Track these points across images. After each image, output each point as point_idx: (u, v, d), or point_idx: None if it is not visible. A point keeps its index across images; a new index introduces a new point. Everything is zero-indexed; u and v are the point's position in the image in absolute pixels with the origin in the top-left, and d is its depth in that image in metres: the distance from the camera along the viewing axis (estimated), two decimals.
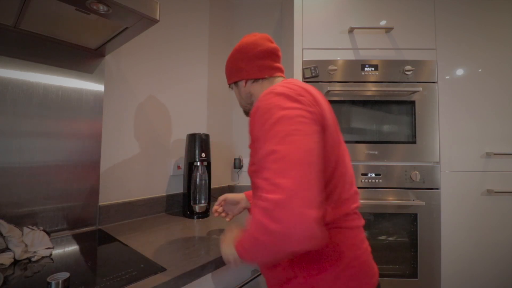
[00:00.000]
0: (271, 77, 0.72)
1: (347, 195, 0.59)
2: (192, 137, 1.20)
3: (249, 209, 0.87)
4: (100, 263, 0.70)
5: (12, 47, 0.82)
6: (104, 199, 1.04)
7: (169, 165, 1.30)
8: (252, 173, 0.60)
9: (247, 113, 0.80)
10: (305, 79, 1.17)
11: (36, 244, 0.72)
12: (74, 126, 0.95)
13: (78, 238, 0.88)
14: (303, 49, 1.20)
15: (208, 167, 1.21)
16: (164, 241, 0.86)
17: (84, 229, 0.96)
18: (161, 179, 1.26)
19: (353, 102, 1.19)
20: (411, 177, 1.14)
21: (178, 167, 1.32)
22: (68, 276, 0.56)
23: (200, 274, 0.68)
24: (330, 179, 0.56)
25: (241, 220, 1.14)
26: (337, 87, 1.15)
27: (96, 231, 0.96)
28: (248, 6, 1.73)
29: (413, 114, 1.17)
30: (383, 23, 1.19)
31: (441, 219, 1.14)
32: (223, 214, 0.88)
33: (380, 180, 1.15)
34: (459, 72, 1.18)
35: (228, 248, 0.57)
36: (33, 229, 0.75)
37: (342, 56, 1.20)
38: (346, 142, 1.16)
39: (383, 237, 1.17)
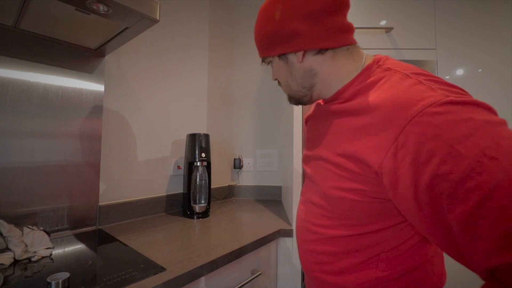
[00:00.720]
0: (346, 46, 0.48)
1: None
2: (192, 137, 1.20)
3: None
4: (100, 263, 0.70)
5: (12, 47, 0.82)
6: (104, 199, 1.04)
7: (169, 165, 1.30)
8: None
9: (297, 100, 0.56)
10: None
11: (36, 244, 0.72)
12: (74, 126, 0.95)
13: (78, 238, 0.88)
14: None
15: (208, 167, 1.21)
16: (164, 241, 0.86)
17: (84, 229, 0.96)
18: (161, 179, 1.26)
19: None
20: None
21: (178, 167, 1.32)
22: (68, 276, 0.56)
23: (200, 274, 0.68)
24: None
25: (241, 220, 1.14)
26: None
27: (96, 231, 0.96)
28: (248, 6, 1.72)
29: None
30: (383, 23, 1.19)
31: None
32: None
33: None
34: (459, 72, 1.18)
35: None
36: (33, 229, 0.75)
37: None
38: None
39: None
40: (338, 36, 0.46)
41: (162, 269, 0.64)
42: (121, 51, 1.10)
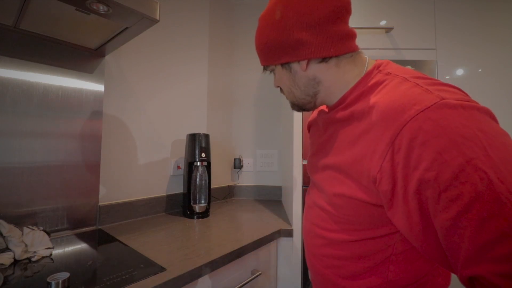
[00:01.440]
0: (349, 53, 0.48)
1: None
2: (192, 137, 1.20)
3: None
4: (100, 263, 0.70)
5: (12, 47, 0.82)
6: (104, 199, 1.04)
7: (169, 165, 1.30)
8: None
9: (301, 107, 0.55)
10: None
11: (36, 244, 0.72)
12: (74, 126, 0.95)
13: (78, 238, 0.88)
14: None
15: (208, 167, 1.21)
16: (164, 241, 0.86)
17: (84, 229, 0.96)
18: (161, 179, 1.26)
19: None
20: None
21: (178, 167, 1.32)
22: (68, 276, 0.56)
23: (200, 274, 0.68)
24: None
25: (241, 220, 1.14)
26: None
27: (96, 231, 0.96)
28: (248, 6, 1.72)
29: None
30: (383, 23, 1.19)
31: None
32: None
33: None
34: (459, 72, 1.18)
35: None
36: (33, 229, 0.75)
37: None
38: None
39: None
40: (342, 44, 0.46)
41: (162, 269, 0.64)
42: (121, 51, 1.10)
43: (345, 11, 0.46)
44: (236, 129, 1.70)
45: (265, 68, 0.56)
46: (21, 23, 0.75)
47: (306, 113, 1.16)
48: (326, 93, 0.51)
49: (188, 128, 1.38)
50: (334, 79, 0.49)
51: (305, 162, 1.15)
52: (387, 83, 0.42)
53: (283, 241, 1.03)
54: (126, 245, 0.81)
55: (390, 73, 0.44)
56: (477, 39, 1.18)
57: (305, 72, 0.49)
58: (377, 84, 0.44)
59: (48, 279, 0.54)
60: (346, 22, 0.47)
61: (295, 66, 0.49)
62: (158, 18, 0.73)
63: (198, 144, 1.18)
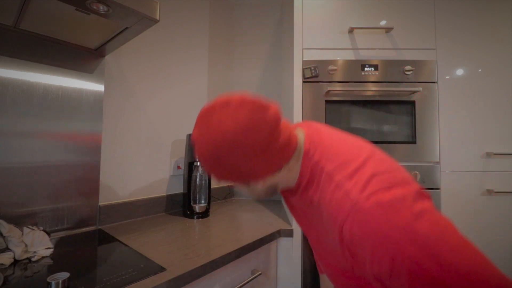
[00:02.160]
0: (295, 150, 0.50)
1: None
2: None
3: None
4: (100, 263, 0.70)
5: (12, 47, 0.82)
6: (104, 199, 1.04)
7: (169, 165, 1.30)
8: None
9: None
10: (305, 79, 1.17)
11: (36, 244, 0.72)
12: (74, 126, 0.95)
13: (78, 238, 0.88)
14: (303, 49, 1.20)
15: None
16: (164, 241, 0.86)
17: (84, 229, 0.96)
18: (161, 179, 1.26)
19: (353, 102, 1.19)
20: None
21: (178, 167, 1.32)
22: (68, 276, 0.56)
23: (200, 274, 0.68)
24: None
25: (241, 220, 1.14)
26: (337, 87, 1.15)
27: (96, 231, 0.96)
28: (248, 6, 1.72)
29: (413, 114, 1.17)
30: (383, 23, 1.19)
31: None
32: None
33: None
34: (459, 72, 1.18)
35: None
36: (33, 229, 0.75)
37: (342, 56, 1.20)
38: None
39: None
40: (287, 152, 0.47)
41: (162, 269, 0.64)
42: (121, 51, 1.10)
43: (279, 122, 0.46)
44: None
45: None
46: (21, 23, 0.75)
47: (306, 113, 1.16)
48: (284, 186, 0.54)
49: (188, 128, 1.38)
50: (288, 177, 0.52)
51: None
52: (318, 181, 0.47)
53: (283, 241, 1.03)
54: (126, 245, 0.81)
55: (318, 164, 0.48)
56: (477, 39, 1.18)
57: (264, 185, 0.51)
58: (311, 179, 0.49)
59: (48, 279, 0.54)
60: (280, 132, 0.46)
61: (253, 183, 0.50)
62: (158, 18, 0.73)
63: None
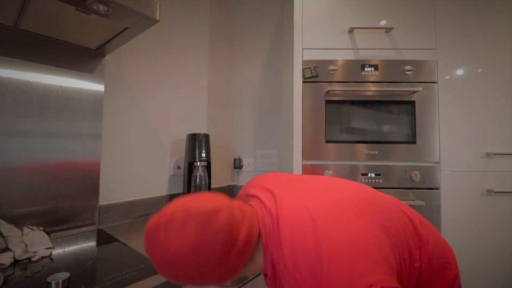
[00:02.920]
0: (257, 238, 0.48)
1: None
2: (192, 137, 1.20)
3: None
4: (100, 263, 0.70)
5: (12, 47, 0.82)
6: (104, 199, 1.03)
7: (169, 165, 1.29)
8: None
9: None
10: (305, 79, 1.17)
11: (36, 244, 0.72)
12: (74, 126, 0.95)
13: (78, 238, 0.88)
14: (303, 49, 1.20)
15: (208, 167, 1.21)
16: None
17: (84, 229, 0.96)
18: (161, 179, 1.26)
19: (353, 102, 1.19)
20: (411, 177, 1.14)
21: (178, 167, 1.32)
22: (68, 276, 0.56)
23: None
24: None
25: None
26: (337, 87, 1.15)
27: (96, 231, 0.96)
28: (248, 6, 1.72)
29: (413, 114, 1.17)
30: (383, 23, 1.19)
31: (441, 219, 1.14)
32: None
33: (380, 180, 1.15)
34: (459, 72, 1.18)
35: None
36: (33, 229, 0.75)
37: (342, 56, 1.20)
38: (347, 142, 1.17)
39: None
40: (249, 249, 0.45)
41: None
42: (121, 51, 1.10)
43: (230, 227, 0.42)
44: (236, 129, 1.70)
45: None
46: (21, 23, 0.75)
47: (306, 113, 1.16)
48: (251, 274, 0.55)
49: (188, 128, 1.38)
50: (254, 268, 0.50)
51: (305, 162, 1.15)
52: (277, 266, 0.45)
53: None
54: (126, 245, 0.81)
55: (273, 257, 0.46)
56: (477, 39, 1.18)
57: (231, 282, 0.49)
58: (275, 270, 0.48)
59: (48, 279, 0.54)
60: (237, 232, 0.43)
61: (221, 284, 0.48)
62: (158, 18, 0.73)
63: (198, 144, 1.18)
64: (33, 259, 0.69)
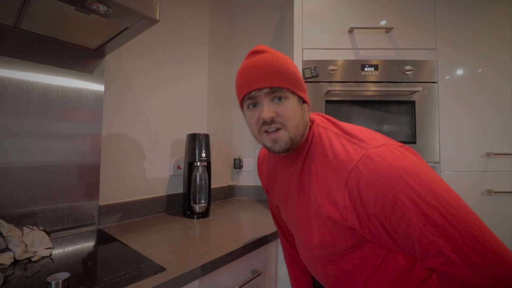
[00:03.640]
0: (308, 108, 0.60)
1: None
2: (192, 137, 1.20)
3: None
4: (100, 263, 0.70)
5: (12, 47, 0.82)
6: (104, 199, 1.04)
7: (169, 165, 1.30)
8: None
9: (292, 146, 0.54)
10: (305, 79, 1.17)
11: (36, 244, 0.72)
12: (74, 126, 0.95)
13: (78, 238, 0.88)
14: (303, 49, 1.20)
15: (208, 167, 1.21)
16: (164, 241, 0.86)
17: (84, 229, 0.96)
18: (161, 179, 1.26)
19: (353, 102, 1.19)
20: None
21: (178, 167, 1.32)
22: (68, 276, 0.56)
23: (200, 274, 0.68)
24: None
25: (241, 220, 1.14)
26: (337, 87, 1.15)
27: (96, 231, 0.96)
28: (248, 6, 1.73)
29: (413, 114, 1.17)
30: (383, 23, 1.19)
31: None
32: None
33: None
34: (459, 72, 1.18)
35: None
36: (33, 229, 0.75)
37: (342, 56, 1.20)
38: None
39: None
40: (306, 97, 0.57)
41: (162, 269, 0.64)
42: (121, 51, 1.10)
43: None
44: (236, 129, 1.70)
45: (273, 91, 0.51)
46: (21, 23, 0.75)
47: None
48: (297, 137, 0.56)
49: (188, 128, 1.38)
50: (304, 119, 0.55)
51: None
52: (331, 138, 0.52)
53: None
54: (126, 245, 0.81)
55: (326, 128, 0.55)
56: (477, 39, 1.18)
57: (306, 114, 0.56)
58: (322, 136, 0.54)
59: (48, 279, 0.54)
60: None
61: (305, 106, 0.56)
62: (158, 18, 0.73)
63: (198, 144, 1.18)
64: (33, 259, 0.69)
